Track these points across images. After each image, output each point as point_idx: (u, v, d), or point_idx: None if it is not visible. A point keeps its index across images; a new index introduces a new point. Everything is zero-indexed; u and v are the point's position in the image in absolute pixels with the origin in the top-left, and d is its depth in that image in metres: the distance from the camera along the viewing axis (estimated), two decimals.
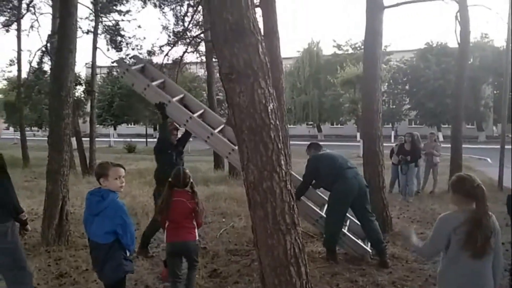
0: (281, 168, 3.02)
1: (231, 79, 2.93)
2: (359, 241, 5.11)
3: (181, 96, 5.88)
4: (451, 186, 2.54)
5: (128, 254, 3.06)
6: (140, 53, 15.85)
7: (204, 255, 5.10)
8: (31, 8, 13.00)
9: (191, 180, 3.67)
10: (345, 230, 5.12)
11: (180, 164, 5.26)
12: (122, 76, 5.58)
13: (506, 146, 9.95)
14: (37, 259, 4.88)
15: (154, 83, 5.60)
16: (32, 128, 41.07)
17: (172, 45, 11.61)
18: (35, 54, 14.09)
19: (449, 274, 2.49)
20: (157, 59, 14.13)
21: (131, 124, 43.18)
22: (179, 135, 5.52)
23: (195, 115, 5.57)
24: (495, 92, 33.64)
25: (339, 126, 41.78)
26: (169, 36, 14.74)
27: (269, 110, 2.97)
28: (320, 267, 4.54)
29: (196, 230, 3.62)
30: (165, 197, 3.57)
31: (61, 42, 6.20)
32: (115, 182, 2.98)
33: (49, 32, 14.10)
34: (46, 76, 17.04)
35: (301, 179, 5.28)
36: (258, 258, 3.17)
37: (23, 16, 15.05)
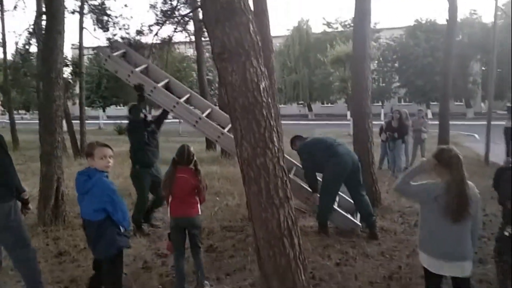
0: (273, 145, 3.12)
1: (223, 59, 2.99)
2: (349, 216, 5.28)
3: (166, 81, 5.89)
4: (433, 157, 2.68)
5: (123, 229, 3.11)
6: (128, 33, 15.58)
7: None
8: None
9: (195, 158, 3.74)
10: (335, 206, 5.29)
11: (154, 144, 5.34)
12: (104, 64, 5.52)
13: (492, 122, 10.15)
14: (35, 239, 4.95)
15: (137, 69, 5.60)
16: (19, 111, 40.47)
17: (161, 25, 11.43)
18: (20, 36, 13.79)
19: (430, 239, 2.67)
20: (146, 39, 13.98)
21: (120, 106, 42.74)
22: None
23: (182, 100, 5.60)
24: (483, 68, 33.89)
25: (329, 105, 41.90)
26: (157, 15, 14.54)
27: (261, 88, 3.05)
28: (312, 240, 4.72)
29: (198, 205, 3.71)
30: (169, 173, 3.67)
31: (50, 24, 6.12)
32: (100, 161, 3.05)
33: (34, 13, 13.83)
34: (32, 58, 16.77)
35: (292, 160, 5.38)
36: (253, 231, 3.30)
37: None
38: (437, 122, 10.30)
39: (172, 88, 5.91)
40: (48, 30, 6.19)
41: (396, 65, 35.94)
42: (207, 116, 5.63)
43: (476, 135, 17.26)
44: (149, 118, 5.46)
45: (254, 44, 2.98)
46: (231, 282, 3.77)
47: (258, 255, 3.38)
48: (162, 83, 5.64)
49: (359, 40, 6.25)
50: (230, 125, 5.72)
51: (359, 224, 5.13)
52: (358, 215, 5.28)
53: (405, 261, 4.12)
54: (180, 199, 3.63)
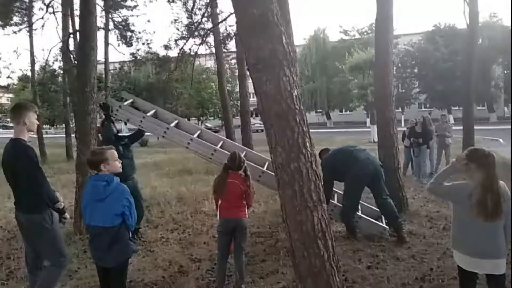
0: (306, 150, 3.26)
1: (258, 69, 3.15)
2: (374, 221, 5.35)
3: (176, 122, 6.12)
4: (466, 157, 2.74)
5: (130, 235, 3.16)
6: (150, 47, 16.12)
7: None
8: (50, 8, 13.15)
9: (245, 165, 3.91)
10: (359, 213, 5.37)
11: (129, 156, 5.48)
12: (116, 114, 5.72)
13: None
14: (73, 247, 5.17)
15: (148, 114, 5.88)
16: (44, 126, 41.69)
17: (187, 39, 11.82)
18: (49, 52, 14.36)
19: (464, 237, 2.73)
20: (171, 53, 14.38)
21: None
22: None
23: (195, 135, 5.76)
24: (505, 72, 33.26)
25: (348, 112, 41.74)
26: (178, 29, 14.98)
27: (294, 96, 3.20)
28: (342, 245, 4.79)
29: (246, 209, 3.88)
30: (221, 178, 3.85)
31: (83, 40, 6.43)
32: (115, 163, 3.07)
33: (61, 31, 14.43)
34: (59, 75, 17.42)
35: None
36: (288, 234, 3.42)
37: (43, 16, 15.30)
38: (459, 128, 10.22)
39: (181, 125, 6.18)
40: (82, 47, 6.50)
41: (416, 70, 35.64)
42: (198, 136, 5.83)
43: (501, 140, 16.93)
44: (122, 133, 5.70)
45: (287, 54, 3.14)
46: (265, 284, 3.88)
47: (293, 256, 3.49)
48: (174, 123, 5.92)
49: (382, 46, 6.33)
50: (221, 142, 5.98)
51: (386, 227, 5.18)
52: (384, 219, 5.33)
53: (436, 263, 4.15)
54: (231, 203, 3.81)
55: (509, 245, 2.75)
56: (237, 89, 24.26)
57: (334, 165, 5.24)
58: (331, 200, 5.44)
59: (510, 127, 10.26)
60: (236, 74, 16.60)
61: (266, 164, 5.72)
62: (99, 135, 5.89)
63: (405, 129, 9.73)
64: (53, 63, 15.42)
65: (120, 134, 5.71)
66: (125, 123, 22.43)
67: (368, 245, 4.83)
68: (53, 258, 3.38)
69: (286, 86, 3.15)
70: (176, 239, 5.48)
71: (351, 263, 4.25)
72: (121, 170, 3.16)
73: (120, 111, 5.75)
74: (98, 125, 6.03)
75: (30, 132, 3.41)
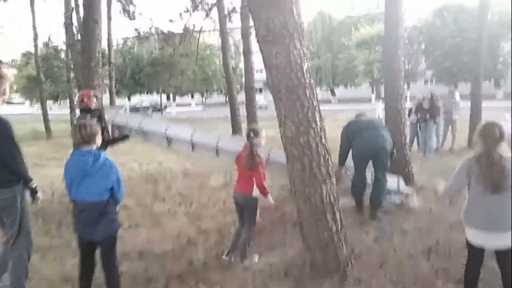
0: (316, 124, 3.26)
1: (268, 41, 3.12)
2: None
3: None
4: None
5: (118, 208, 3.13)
6: (153, 22, 15.86)
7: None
8: None
9: (254, 140, 3.76)
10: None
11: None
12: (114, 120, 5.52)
13: None
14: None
15: None
16: (47, 102, 41.74)
17: (192, 12, 11.59)
18: (51, 28, 14.15)
19: (472, 210, 2.76)
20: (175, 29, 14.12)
21: (144, 94, 43.55)
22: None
23: None
24: None
25: (353, 89, 41.38)
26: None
27: (304, 70, 3.18)
28: (348, 217, 4.81)
29: (253, 186, 3.76)
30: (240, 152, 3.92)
31: (87, 14, 6.38)
32: (99, 138, 3.05)
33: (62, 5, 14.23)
34: (62, 50, 17.29)
35: None
36: (297, 207, 3.47)
37: None
38: (465, 104, 10.11)
39: None
40: (86, 21, 6.45)
41: (423, 47, 35.03)
42: None
43: (507, 115, 16.76)
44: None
45: (298, 26, 3.10)
46: (273, 256, 3.94)
47: (301, 229, 3.56)
48: None
49: (392, 20, 6.22)
50: None
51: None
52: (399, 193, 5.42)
53: (443, 236, 4.19)
54: (240, 177, 3.88)
55: None
56: (241, 65, 24.08)
57: (348, 135, 5.30)
58: None
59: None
60: (241, 50, 16.40)
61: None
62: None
63: (410, 105, 9.66)
64: (56, 38, 15.23)
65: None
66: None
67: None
68: (17, 239, 3.22)
69: (296, 59, 3.13)
70: (183, 212, 5.56)
71: (357, 235, 4.30)
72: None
73: (118, 117, 5.54)
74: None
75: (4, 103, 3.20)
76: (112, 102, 15.33)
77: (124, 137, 5.37)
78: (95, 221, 2.91)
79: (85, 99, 5.04)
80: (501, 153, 2.63)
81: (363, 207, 5.19)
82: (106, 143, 5.04)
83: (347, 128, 5.36)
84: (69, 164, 2.95)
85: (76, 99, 19.40)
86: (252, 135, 3.76)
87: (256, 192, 3.77)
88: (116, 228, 3.05)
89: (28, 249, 3.29)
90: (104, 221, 2.93)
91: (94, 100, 5.08)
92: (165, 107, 36.36)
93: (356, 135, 5.18)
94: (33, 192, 3.34)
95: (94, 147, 2.96)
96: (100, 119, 5.00)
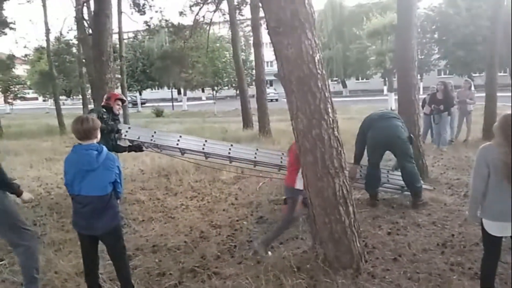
0: (328, 116, 3.20)
1: (279, 32, 3.06)
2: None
3: None
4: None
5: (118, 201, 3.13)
6: (163, 15, 15.85)
7: (249, 205, 5.45)
8: None
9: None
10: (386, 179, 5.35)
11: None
12: (125, 135, 5.56)
13: None
14: None
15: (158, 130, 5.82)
16: (60, 97, 42.30)
17: (202, 4, 11.51)
18: (64, 22, 14.26)
19: (490, 201, 2.68)
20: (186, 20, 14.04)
21: (155, 89, 43.74)
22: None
23: None
24: None
25: (364, 80, 40.92)
26: None
27: (316, 61, 3.11)
28: (362, 211, 4.79)
29: (295, 177, 3.72)
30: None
31: (98, 7, 6.38)
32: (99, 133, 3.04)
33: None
34: (73, 44, 17.39)
35: None
36: (309, 200, 3.42)
37: None
38: (479, 94, 9.89)
39: None
40: (97, 14, 6.45)
41: (436, 36, 34.35)
42: None
43: None
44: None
45: (309, 16, 3.03)
46: (286, 250, 3.91)
47: (314, 222, 3.52)
48: None
49: (405, 8, 6.08)
50: None
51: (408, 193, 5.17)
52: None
53: (458, 230, 4.12)
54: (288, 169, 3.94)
55: None
56: (252, 57, 23.89)
57: (362, 130, 5.25)
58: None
59: None
60: (251, 42, 16.27)
61: None
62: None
63: (424, 96, 9.48)
64: (67, 32, 15.36)
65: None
66: None
67: (387, 212, 4.83)
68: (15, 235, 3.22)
69: (308, 49, 3.07)
70: (195, 206, 5.57)
71: (371, 229, 4.25)
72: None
73: (130, 131, 5.61)
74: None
75: None
76: (124, 96, 15.34)
77: (139, 149, 5.39)
78: (98, 215, 2.92)
79: (111, 99, 5.10)
80: None
81: (377, 201, 5.12)
82: (120, 150, 5.13)
83: (361, 125, 5.31)
84: (72, 159, 2.93)
85: (89, 94, 19.58)
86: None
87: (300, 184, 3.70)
88: (118, 220, 3.08)
89: (29, 240, 3.27)
90: (106, 214, 2.94)
91: (119, 103, 5.15)
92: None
93: (370, 127, 5.14)
94: (17, 195, 3.25)
95: (95, 141, 2.95)
96: (114, 121, 5.08)
